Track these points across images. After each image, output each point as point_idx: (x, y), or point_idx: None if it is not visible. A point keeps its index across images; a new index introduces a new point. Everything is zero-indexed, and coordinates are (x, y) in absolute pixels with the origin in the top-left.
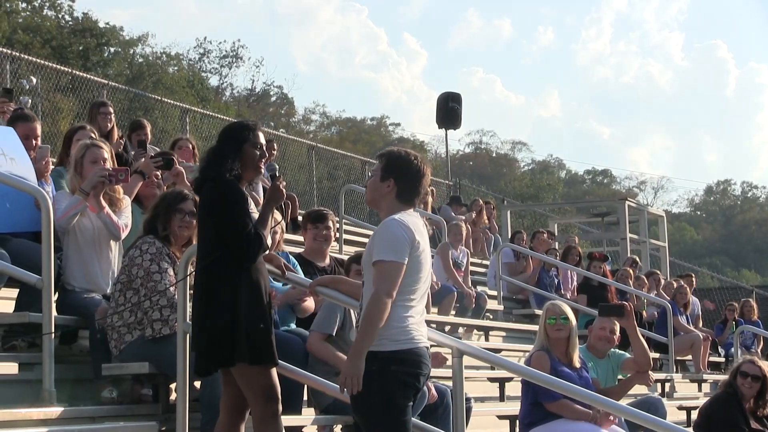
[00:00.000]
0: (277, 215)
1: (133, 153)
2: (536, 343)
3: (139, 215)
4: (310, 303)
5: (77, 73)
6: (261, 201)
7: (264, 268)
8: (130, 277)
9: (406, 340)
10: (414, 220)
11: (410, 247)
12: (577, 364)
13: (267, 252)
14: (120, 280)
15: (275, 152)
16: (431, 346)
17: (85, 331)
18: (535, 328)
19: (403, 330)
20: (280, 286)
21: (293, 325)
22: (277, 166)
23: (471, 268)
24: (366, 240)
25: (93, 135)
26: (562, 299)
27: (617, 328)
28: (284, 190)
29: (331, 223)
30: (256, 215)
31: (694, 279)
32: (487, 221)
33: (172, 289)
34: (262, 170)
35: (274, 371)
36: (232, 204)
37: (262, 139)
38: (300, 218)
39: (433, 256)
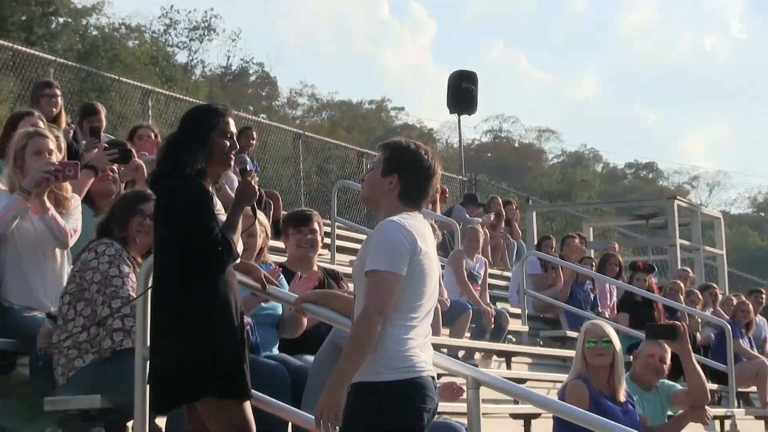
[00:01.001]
0: (261, 217)
1: (84, 143)
2: (572, 370)
3: (90, 218)
4: (297, 321)
5: (19, 47)
6: None
7: (235, 281)
8: (83, 284)
9: (406, 368)
10: (417, 224)
11: (411, 255)
12: (622, 398)
13: (239, 260)
14: (69, 290)
15: (254, 142)
16: (440, 375)
17: (25, 356)
18: (567, 353)
19: (403, 356)
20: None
21: (276, 350)
22: (249, 159)
23: (490, 280)
24: None
25: (42, 123)
26: (601, 319)
27: (668, 354)
28: (257, 187)
29: (317, 226)
30: (224, 217)
31: (764, 295)
32: (508, 224)
33: (134, 295)
34: (232, 165)
35: (247, 405)
36: (192, 205)
37: (233, 127)
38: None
39: (443, 267)
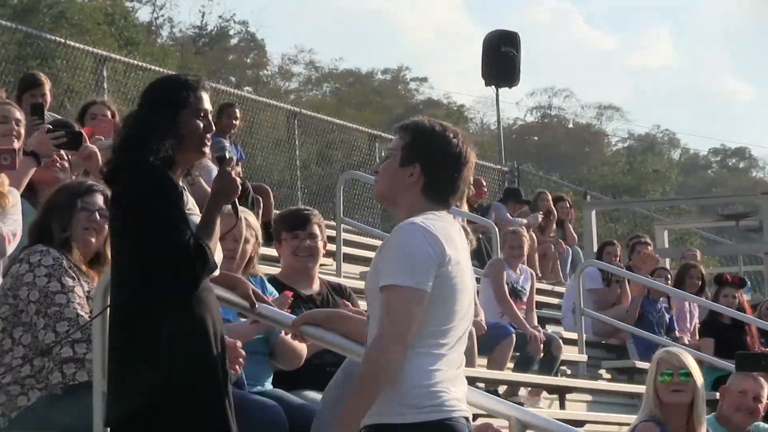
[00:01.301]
0: (250, 218)
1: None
2: (642, 410)
3: (32, 215)
4: (298, 347)
5: None
6: None
7: (212, 298)
8: (18, 305)
9: (433, 406)
10: (445, 226)
11: (438, 266)
12: None
13: (217, 272)
14: (1, 315)
15: (237, 122)
16: (476, 416)
17: None
18: (635, 388)
19: (430, 392)
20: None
21: (269, 385)
22: (231, 144)
23: (538, 297)
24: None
25: None
26: (679, 345)
27: (765, 391)
28: (239, 179)
29: (317, 229)
30: (198, 218)
31: None
32: (560, 226)
33: (84, 314)
34: (207, 151)
35: None
36: (158, 201)
37: (208, 104)
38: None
39: (478, 280)
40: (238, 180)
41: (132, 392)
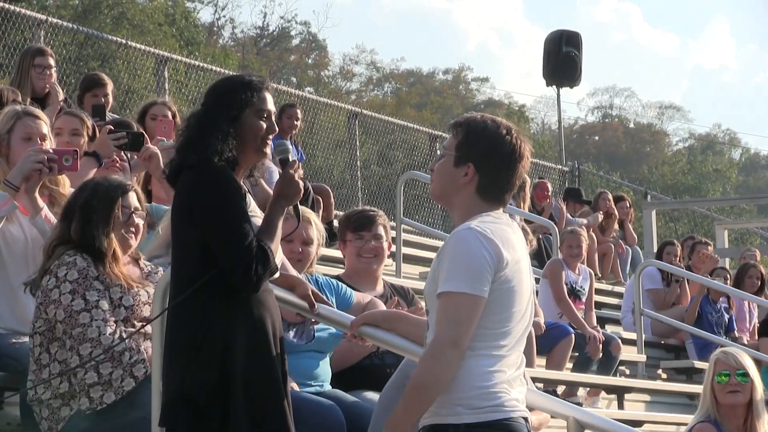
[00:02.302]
0: (315, 219)
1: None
2: (699, 411)
3: None
4: (350, 349)
5: (0, 4)
6: None
7: (272, 299)
8: (49, 321)
9: (492, 407)
10: (502, 228)
11: (495, 271)
12: None
13: (278, 274)
14: (37, 329)
15: (298, 123)
16: (534, 416)
17: (15, 393)
18: (694, 388)
19: (488, 392)
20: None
21: (328, 385)
22: (290, 146)
23: (597, 297)
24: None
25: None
26: (738, 346)
27: None
28: (301, 182)
29: (382, 230)
30: (259, 220)
31: None
32: (620, 226)
33: (108, 332)
34: (268, 152)
35: None
36: (222, 202)
37: (271, 104)
38: (336, 224)
39: (537, 281)
40: (301, 182)
41: (192, 390)
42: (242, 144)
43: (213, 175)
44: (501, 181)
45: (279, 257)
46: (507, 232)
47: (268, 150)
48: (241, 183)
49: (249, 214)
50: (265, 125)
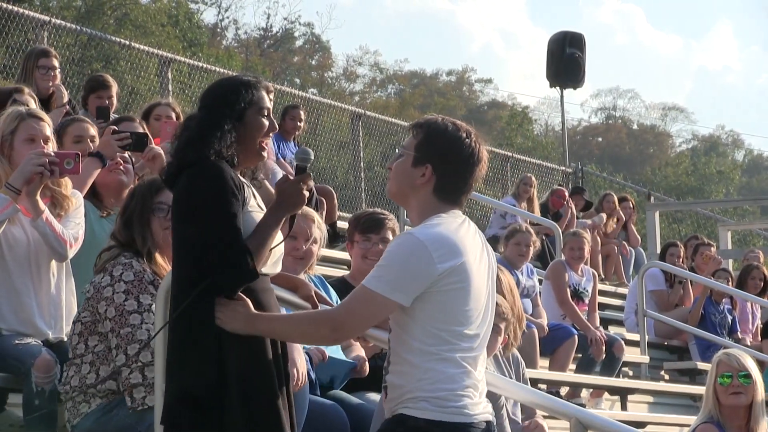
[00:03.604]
0: (319, 220)
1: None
2: (702, 412)
3: (96, 220)
4: (358, 351)
5: (3, 5)
6: None
7: (272, 300)
8: (96, 316)
9: (455, 409)
10: (455, 229)
11: (431, 279)
12: None
13: (268, 270)
14: (81, 318)
15: (302, 124)
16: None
17: (17, 394)
18: (697, 389)
19: (454, 395)
20: None
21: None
22: (312, 156)
23: (601, 299)
24: None
25: (33, 102)
26: (741, 347)
27: None
28: (306, 195)
29: (390, 234)
30: (260, 215)
31: None
32: (624, 228)
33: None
34: (265, 155)
35: None
36: (212, 203)
37: (270, 102)
38: (339, 225)
39: (540, 282)
40: (306, 195)
41: (188, 392)
42: (243, 143)
43: (210, 173)
44: (458, 183)
45: (272, 263)
46: (461, 232)
47: (266, 153)
48: (242, 181)
49: (249, 210)
50: (267, 123)
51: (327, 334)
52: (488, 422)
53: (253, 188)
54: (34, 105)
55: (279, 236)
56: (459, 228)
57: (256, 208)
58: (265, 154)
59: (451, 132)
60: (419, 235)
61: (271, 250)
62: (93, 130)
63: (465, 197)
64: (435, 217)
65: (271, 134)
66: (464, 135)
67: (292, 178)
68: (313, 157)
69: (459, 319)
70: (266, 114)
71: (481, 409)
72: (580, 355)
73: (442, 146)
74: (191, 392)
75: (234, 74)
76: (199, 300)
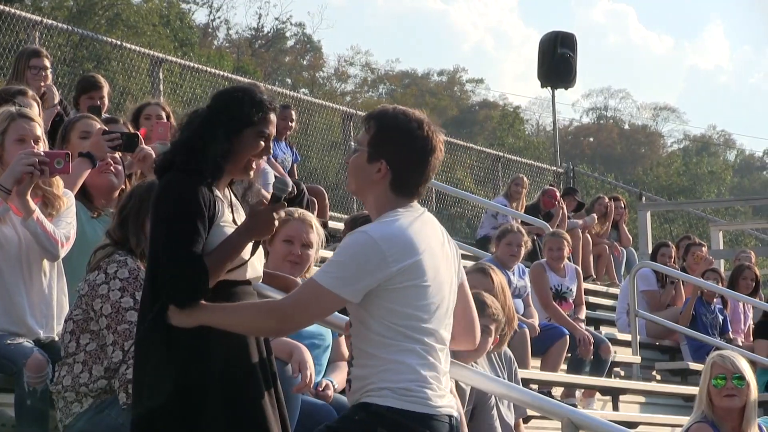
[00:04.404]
0: (317, 224)
1: None
2: (694, 412)
3: (87, 220)
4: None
5: None
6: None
7: (254, 299)
8: (89, 314)
9: (417, 398)
10: (409, 223)
11: (383, 276)
12: None
13: (258, 278)
14: (74, 317)
15: (293, 124)
16: (529, 417)
17: (9, 394)
18: (689, 390)
19: (417, 385)
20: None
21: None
22: (290, 187)
23: (592, 299)
24: None
25: (36, 106)
26: (733, 347)
27: None
28: (276, 224)
29: None
30: (231, 229)
31: None
32: (615, 228)
33: None
34: (251, 174)
35: None
36: (176, 216)
37: (273, 127)
38: (330, 225)
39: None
40: (276, 224)
41: (171, 388)
42: (233, 157)
43: (182, 185)
44: (414, 175)
45: (257, 270)
46: (418, 224)
47: (252, 173)
48: (220, 192)
49: (221, 225)
50: (261, 147)
51: (274, 326)
52: (451, 416)
53: (233, 203)
54: (36, 108)
55: (249, 247)
56: (415, 222)
57: (229, 222)
58: (251, 173)
59: (403, 124)
60: (373, 233)
61: (248, 260)
62: (99, 127)
63: (423, 188)
64: (392, 212)
65: (263, 157)
66: (416, 125)
67: (266, 204)
68: (289, 188)
69: (416, 314)
70: (264, 137)
71: (444, 402)
72: (569, 355)
73: (395, 140)
74: (163, 399)
75: (252, 86)
76: (158, 315)
